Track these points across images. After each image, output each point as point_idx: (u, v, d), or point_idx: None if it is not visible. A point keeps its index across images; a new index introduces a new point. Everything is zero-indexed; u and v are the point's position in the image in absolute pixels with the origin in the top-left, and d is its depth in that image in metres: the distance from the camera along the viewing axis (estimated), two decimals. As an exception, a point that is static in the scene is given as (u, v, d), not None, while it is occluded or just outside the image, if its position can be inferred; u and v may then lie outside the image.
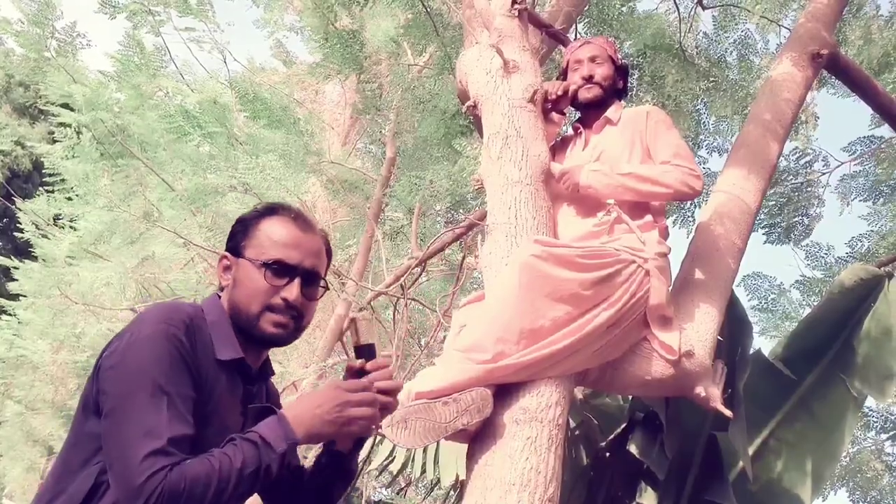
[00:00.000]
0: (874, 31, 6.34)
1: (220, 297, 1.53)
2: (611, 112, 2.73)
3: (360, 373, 1.50)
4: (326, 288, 1.57)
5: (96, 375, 1.34)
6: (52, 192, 7.11)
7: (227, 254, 1.54)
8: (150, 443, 1.23)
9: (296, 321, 1.50)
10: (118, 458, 1.24)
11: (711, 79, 6.49)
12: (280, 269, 1.48)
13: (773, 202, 6.85)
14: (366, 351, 1.53)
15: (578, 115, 2.88)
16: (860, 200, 6.95)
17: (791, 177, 6.90)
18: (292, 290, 1.48)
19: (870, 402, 6.85)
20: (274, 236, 1.50)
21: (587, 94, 2.75)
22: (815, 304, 3.97)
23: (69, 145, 6.27)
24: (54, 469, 1.35)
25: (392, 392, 1.48)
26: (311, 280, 1.52)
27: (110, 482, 1.26)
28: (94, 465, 1.30)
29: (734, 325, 3.08)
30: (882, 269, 3.47)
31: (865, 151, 6.84)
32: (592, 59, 2.78)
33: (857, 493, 7.15)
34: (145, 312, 1.40)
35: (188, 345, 1.35)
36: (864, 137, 6.84)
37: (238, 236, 1.53)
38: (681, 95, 6.27)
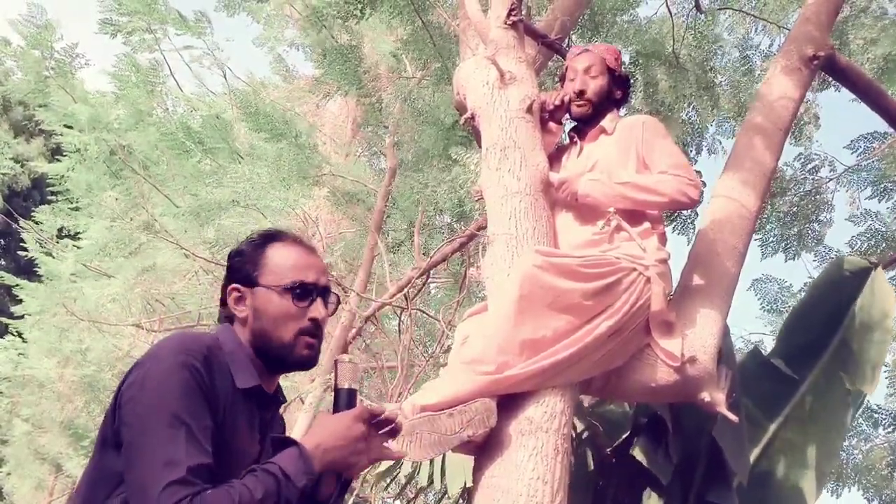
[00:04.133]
0: (876, 32, 6.30)
1: (231, 326, 1.51)
2: (606, 122, 2.72)
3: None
4: (339, 302, 1.59)
5: (117, 409, 1.34)
6: (57, 201, 7.14)
7: (237, 286, 1.52)
8: (169, 473, 1.23)
9: (319, 340, 1.52)
10: (138, 488, 1.25)
11: (706, 84, 6.48)
12: (303, 291, 1.49)
13: (784, 212, 6.82)
14: (345, 396, 1.48)
15: (574, 124, 2.89)
16: (867, 198, 6.94)
17: (798, 185, 6.86)
18: (319, 309, 1.50)
19: (881, 399, 6.88)
20: (288, 261, 1.52)
21: (577, 110, 2.75)
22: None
23: (71, 165, 6.31)
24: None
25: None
26: (328, 297, 1.54)
27: None
28: (115, 498, 1.30)
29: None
30: (868, 260, 3.48)
31: (869, 148, 6.81)
32: (587, 70, 2.73)
33: (871, 490, 7.11)
34: (163, 343, 1.39)
35: (205, 374, 1.35)
36: (868, 134, 6.83)
37: (246, 267, 1.52)
38: (675, 103, 6.26)
